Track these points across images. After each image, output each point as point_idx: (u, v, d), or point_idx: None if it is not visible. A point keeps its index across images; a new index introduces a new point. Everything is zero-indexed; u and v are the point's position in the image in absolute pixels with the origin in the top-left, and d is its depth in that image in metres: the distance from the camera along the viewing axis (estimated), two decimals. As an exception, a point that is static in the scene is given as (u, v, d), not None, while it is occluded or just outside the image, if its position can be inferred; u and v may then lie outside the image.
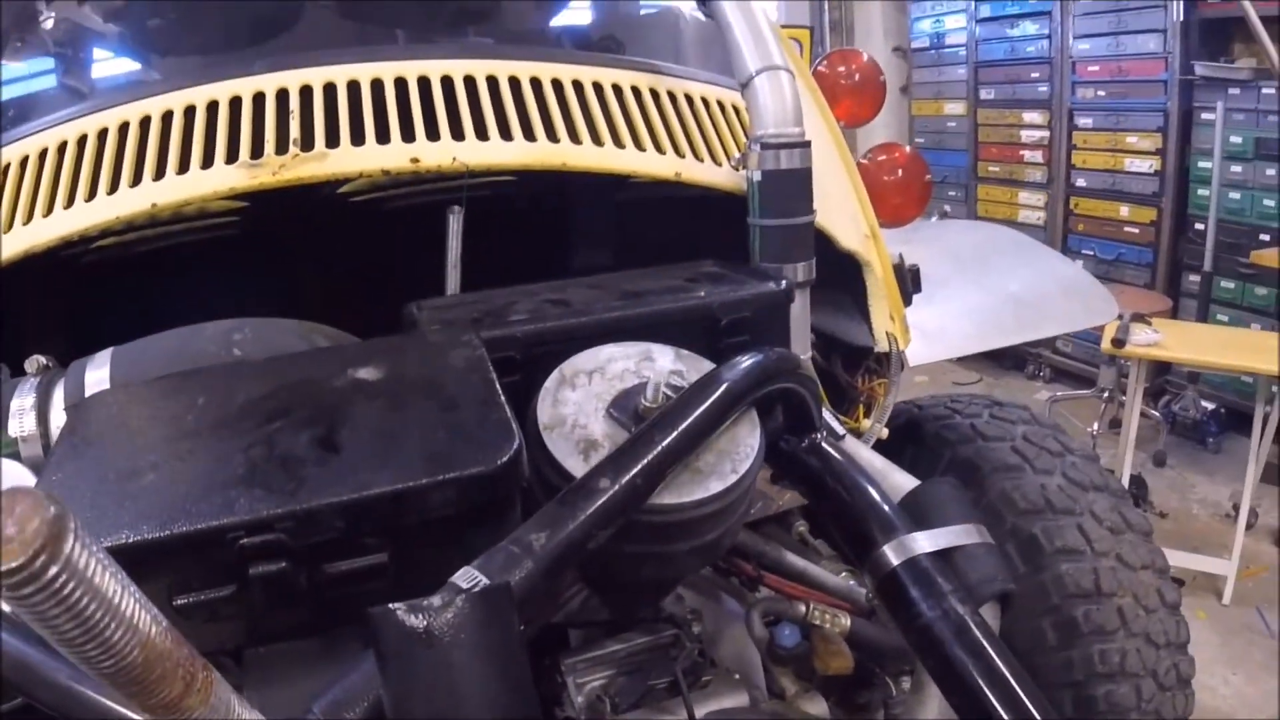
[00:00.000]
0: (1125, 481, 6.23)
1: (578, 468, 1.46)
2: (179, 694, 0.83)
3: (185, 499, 1.21)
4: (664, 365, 1.67)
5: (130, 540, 1.14)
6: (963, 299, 3.44)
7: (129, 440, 1.36)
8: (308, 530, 1.21)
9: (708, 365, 1.71)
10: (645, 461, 1.40)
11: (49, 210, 1.91)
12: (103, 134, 2.00)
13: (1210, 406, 7.68)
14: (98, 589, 0.73)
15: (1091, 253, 8.89)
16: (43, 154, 2.01)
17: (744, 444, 1.57)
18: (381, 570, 1.28)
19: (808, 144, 2.14)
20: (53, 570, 0.68)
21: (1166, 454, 7.57)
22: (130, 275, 2.37)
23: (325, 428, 1.36)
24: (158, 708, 0.82)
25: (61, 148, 2.01)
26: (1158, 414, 7.80)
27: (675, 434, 1.45)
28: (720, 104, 2.44)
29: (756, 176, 2.13)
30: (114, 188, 1.91)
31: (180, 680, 0.82)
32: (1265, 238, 7.30)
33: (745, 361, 1.63)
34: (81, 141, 2.00)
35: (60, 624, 0.72)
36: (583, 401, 1.59)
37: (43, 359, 1.70)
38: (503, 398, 1.45)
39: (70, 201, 1.91)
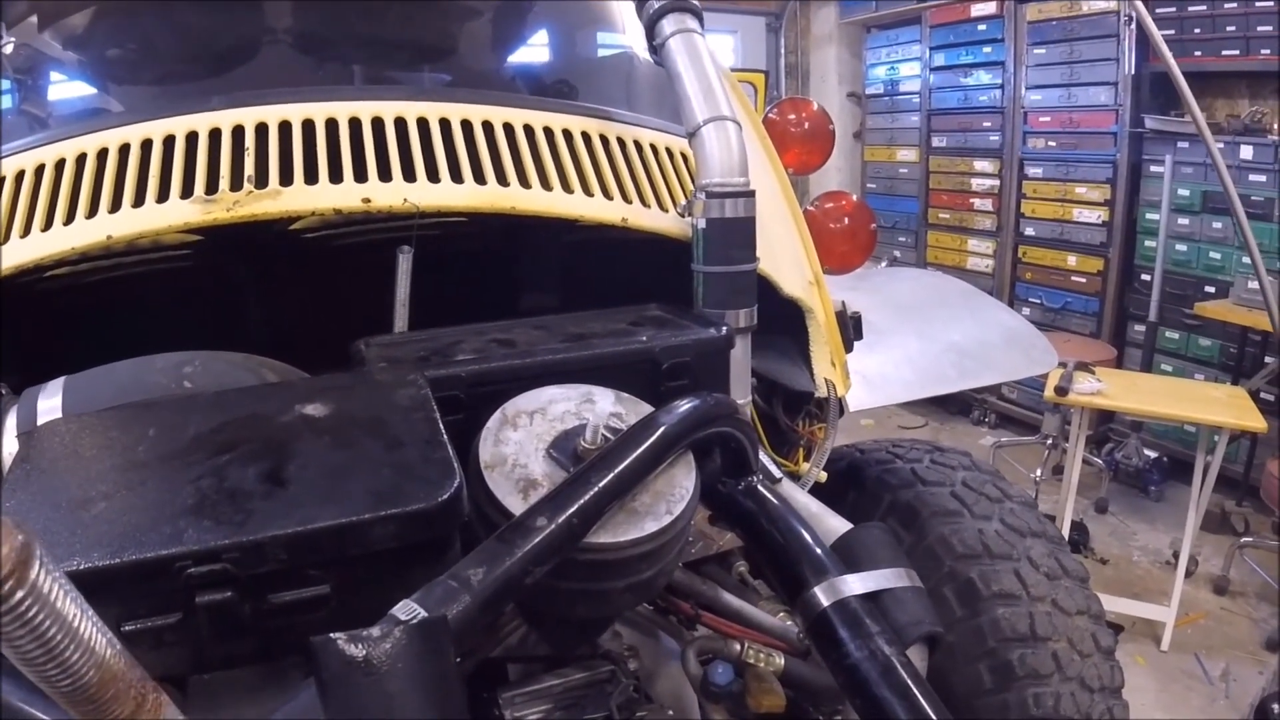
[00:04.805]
0: (1067, 528, 6.30)
1: (517, 506, 1.49)
2: (129, 713, 0.86)
3: (135, 528, 1.23)
4: (604, 408, 1.70)
5: (81, 567, 1.16)
6: (904, 347, 3.47)
7: (81, 469, 1.38)
8: (253, 561, 1.23)
9: (647, 408, 1.74)
10: (582, 501, 1.43)
11: (4, 239, 1.91)
12: (60, 165, 2.02)
13: (1153, 455, 7.75)
14: (59, 613, 0.76)
15: (1038, 301, 9.00)
16: None
17: (680, 486, 1.60)
18: (324, 602, 1.30)
19: (752, 193, 2.18)
20: (19, 594, 0.71)
21: (1109, 501, 7.65)
22: (83, 304, 2.38)
23: (272, 462, 1.39)
24: (110, 726, 0.86)
25: (19, 177, 2.01)
26: (1100, 461, 7.87)
27: (612, 475, 1.48)
28: (669, 151, 2.48)
29: (701, 224, 2.16)
30: (70, 219, 1.92)
31: (132, 700, 0.85)
32: (1211, 290, 7.42)
33: (683, 406, 1.67)
34: (39, 171, 2.01)
35: (23, 644, 0.75)
36: (524, 441, 1.63)
37: (-5, 385, 1.71)
38: (445, 437, 1.48)
39: (26, 231, 1.92)
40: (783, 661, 1.95)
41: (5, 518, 0.72)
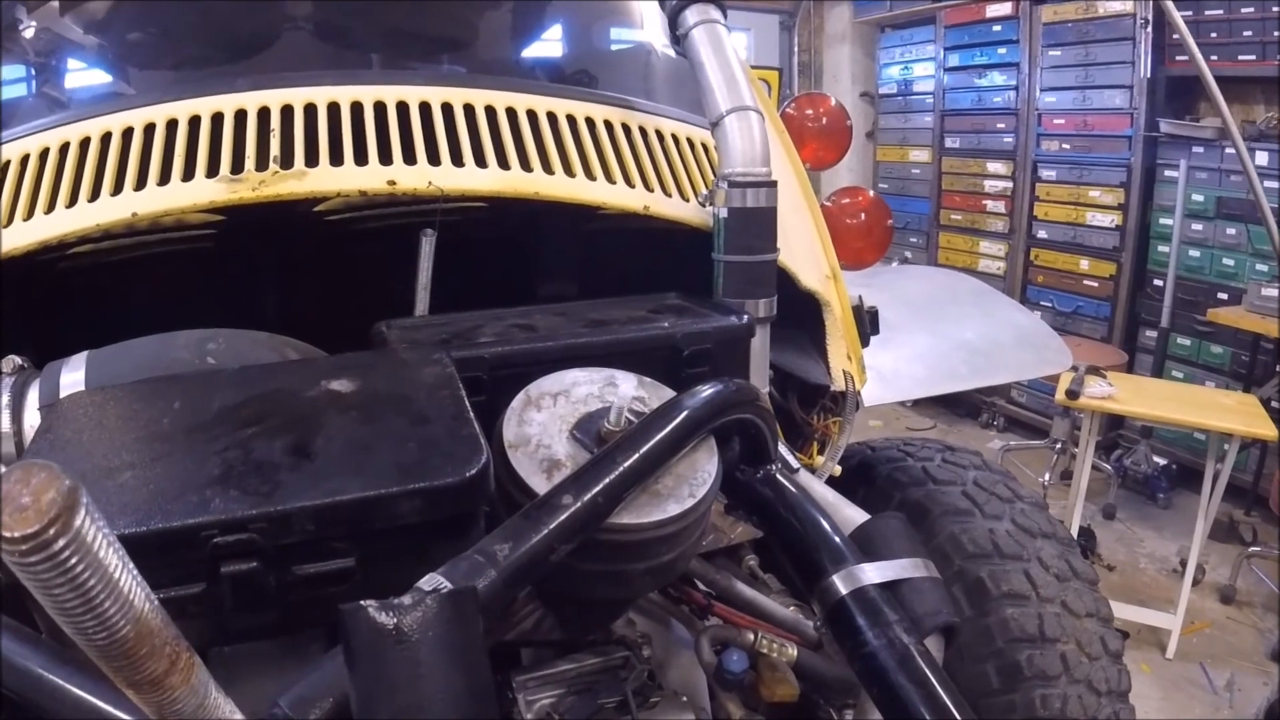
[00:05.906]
0: (1074, 533, 6.25)
1: (541, 485, 1.50)
2: (163, 671, 0.85)
3: (162, 497, 1.23)
4: (627, 391, 1.69)
5: None
6: (918, 344, 3.47)
7: (105, 440, 1.38)
8: (280, 531, 1.23)
9: (669, 393, 1.75)
10: (606, 481, 1.43)
11: (29, 215, 1.92)
12: (85, 142, 2.02)
13: (1161, 462, 7.73)
14: (100, 563, 0.76)
15: (1050, 304, 8.97)
16: (25, 159, 2.02)
17: (702, 470, 1.60)
18: (348, 574, 1.31)
19: (774, 183, 2.19)
20: (62, 541, 0.70)
21: (1116, 507, 7.63)
22: (104, 285, 2.39)
23: (299, 436, 1.39)
24: (142, 683, 0.85)
25: (44, 154, 2.02)
26: (1109, 467, 7.85)
27: (636, 456, 1.48)
28: (690, 141, 2.48)
29: (722, 213, 2.17)
30: (95, 195, 1.93)
31: (165, 658, 0.85)
32: (1224, 296, 7.40)
33: (706, 390, 1.67)
34: (64, 149, 2.02)
35: (61, 593, 0.74)
36: (547, 422, 1.63)
37: (18, 359, 1.71)
38: (471, 414, 1.48)
39: (51, 207, 1.92)
40: (795, 652, 1.95)
41: (51, 463, 0.72)
